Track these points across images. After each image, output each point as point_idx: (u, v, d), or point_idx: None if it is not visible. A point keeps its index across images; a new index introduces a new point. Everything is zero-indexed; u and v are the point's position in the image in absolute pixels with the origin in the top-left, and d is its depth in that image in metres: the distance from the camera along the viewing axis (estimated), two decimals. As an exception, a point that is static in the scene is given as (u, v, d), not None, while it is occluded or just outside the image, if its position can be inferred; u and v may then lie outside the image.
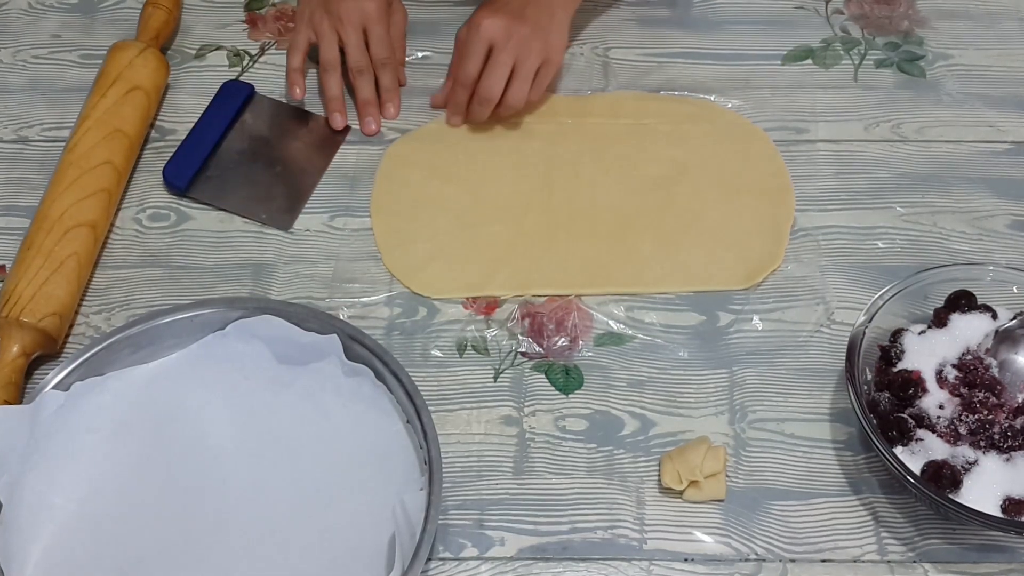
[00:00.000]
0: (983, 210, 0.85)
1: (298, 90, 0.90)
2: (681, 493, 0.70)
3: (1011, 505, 0.66)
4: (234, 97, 0.90)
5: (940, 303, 0.74)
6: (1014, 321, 0.72)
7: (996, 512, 0.66)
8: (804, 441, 0.74)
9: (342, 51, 0.89)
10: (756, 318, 0.79)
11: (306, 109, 0.91)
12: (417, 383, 0.70)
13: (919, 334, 0.73)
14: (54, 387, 0.70)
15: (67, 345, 0.78)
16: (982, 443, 0.68)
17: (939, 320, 0.73)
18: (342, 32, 0.88)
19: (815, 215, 0.85)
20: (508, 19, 0.84)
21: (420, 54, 0.95)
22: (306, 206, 0.86)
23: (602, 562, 0.69)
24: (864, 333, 0.71)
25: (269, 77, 0.94)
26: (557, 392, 0.76)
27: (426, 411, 0.69)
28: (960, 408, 0.69)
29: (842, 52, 0.95)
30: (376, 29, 0.88)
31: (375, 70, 0.90)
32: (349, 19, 0.87)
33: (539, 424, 0.75)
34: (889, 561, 0.69)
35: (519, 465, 0.73)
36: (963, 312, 0.73)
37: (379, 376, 0.72)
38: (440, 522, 0.69)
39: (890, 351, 0.72)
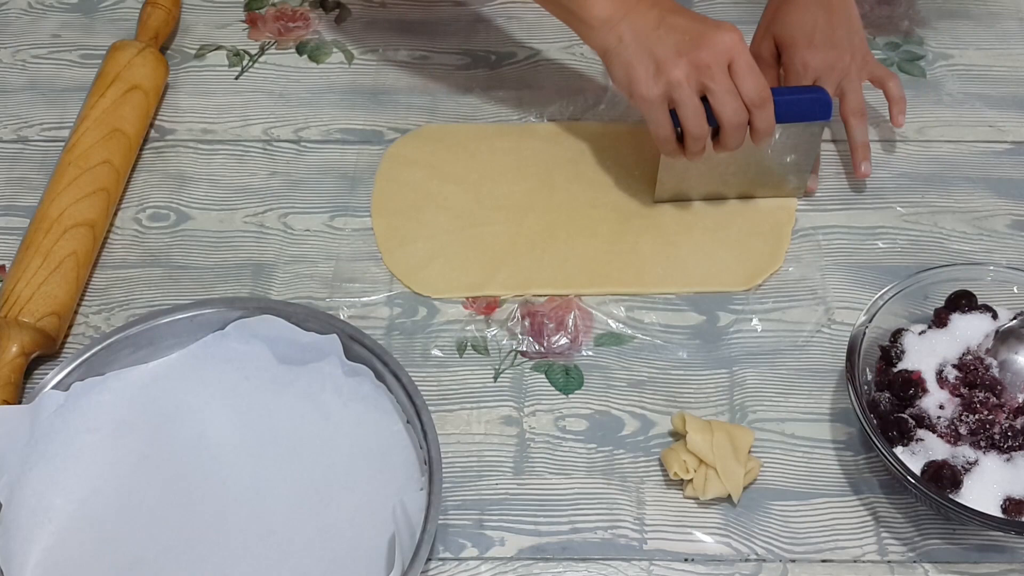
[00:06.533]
0: (983, 210, 0.85)
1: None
2: (690, 483, 0.70)
3: (1011, 505, 0.66)
4: None
5: (940, 303, 0.74)
6: (1014, 321, 0.72)
7: (996, 512, 0.66)
8: (804, 441, 0.74)
9: None
10: (756, 318, 0.79)
11: None
12: (417, 383, 0.70)
13: (919, 334, 0.73)
14: (54, 387, 0.70)
15: (67, 345, 0.78)
16: (982, 443, 0.68)
17: (939, 320, 0.73)
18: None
19: (815, 215, 0.85)
20: (827, 52, 0.84)
21: (420, 54, 0.95)
22: (306, 206, 0.86)
23: (602, 562, 0.69)
24: (864, 333, 0.71)
25: (269, 77, 0.94)
26: (557, 392, 0.76)
27: (426, 411, 0.69)
28: (960, 408, 0.69)
29: (842, 52, 0.95)
30: None
31: None
32: None
33: (539, 424, 0.74)
34: (889, 561, 0.69)
35: (519, 465, 0.73)
36: (963, 312, 0.73)
37: (379, 376, 0.72)
38: (440, 522, 0.69)
39: (890, 351, 0.72)
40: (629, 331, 0.79)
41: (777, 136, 0.79)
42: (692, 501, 0.71)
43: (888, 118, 0.89)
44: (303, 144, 0.90)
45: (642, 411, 0.75)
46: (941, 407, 0.70)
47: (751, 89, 0.75)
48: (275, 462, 0.71)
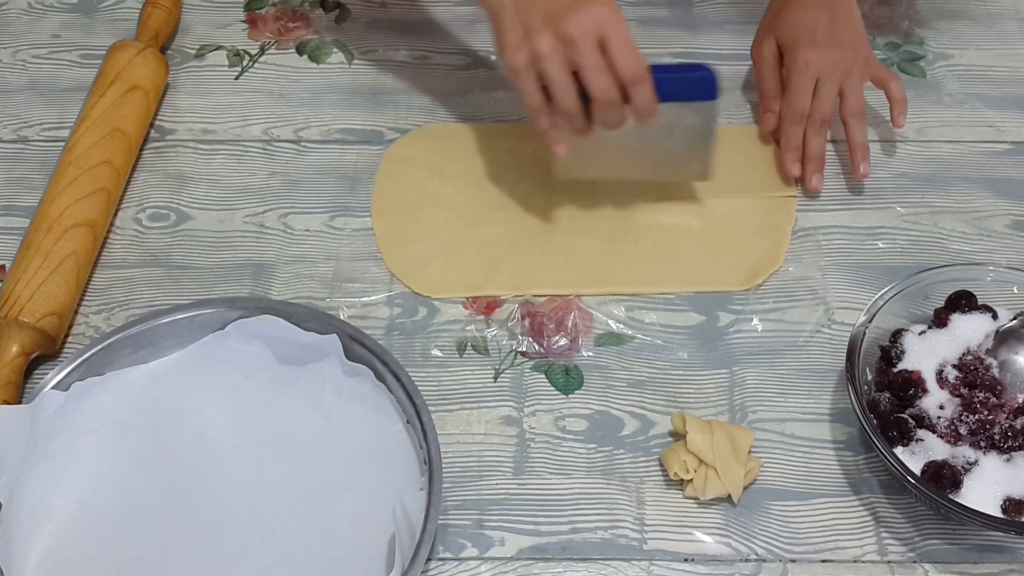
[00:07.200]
0: (983, 210, 0.85)
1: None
2: (690, 483, 0.70)
3: (1011, 505, 0.66)
4: None
5: (940, 303, 0.74)
6: (1014, 321, 0.72)
7: (996, 512, 0.66)
8: (804, 441, 0.74)
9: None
10: (756, 318, 0.79)
11: None
12: (417, 383, 0.70)
13: (919, 334, 0.73)
14: (54, 387, 0.70)
15: (67, 345, 0.78)
16: (982, 443, 0.68)
17: (939, 320, 0.73)
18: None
19: (815, 215, 0.85)
20: (829, 51, 0.84)
21: (420, 54, 0.95)
22: (306, 206, 0.86)
23: (602, 562, 0.69)
24: (864, 333, 0.71)
25: (268, 77, 0.94)
26: (557, 392, 0.76)
27: (426, 411, 0.69)
28: (960, 408, 0.69)
29: (842, 52, 0.95)
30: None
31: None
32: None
33: (539, 424, 0.74)
34: (889, 561, 0.69)
35: (519, 465, 0.73)
36: (963, 312, 0.73)
37: (379, 376, 0.72)
38: (440, 522, 0.69)
39: (890, 351, 0.72)
40: (629, 331, 0.79)
41: (666, 116, 0.76)
42: (692, 501, 0.71)
43: (889, 118, 0.88)
44: (303, 144, 0.90)
45: (642, 411, 0.75)
46: (941, 407, 0.70)
47: (623, 65, 0.72)
48: (275, 462, 0.71)
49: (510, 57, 0.74)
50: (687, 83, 0.77)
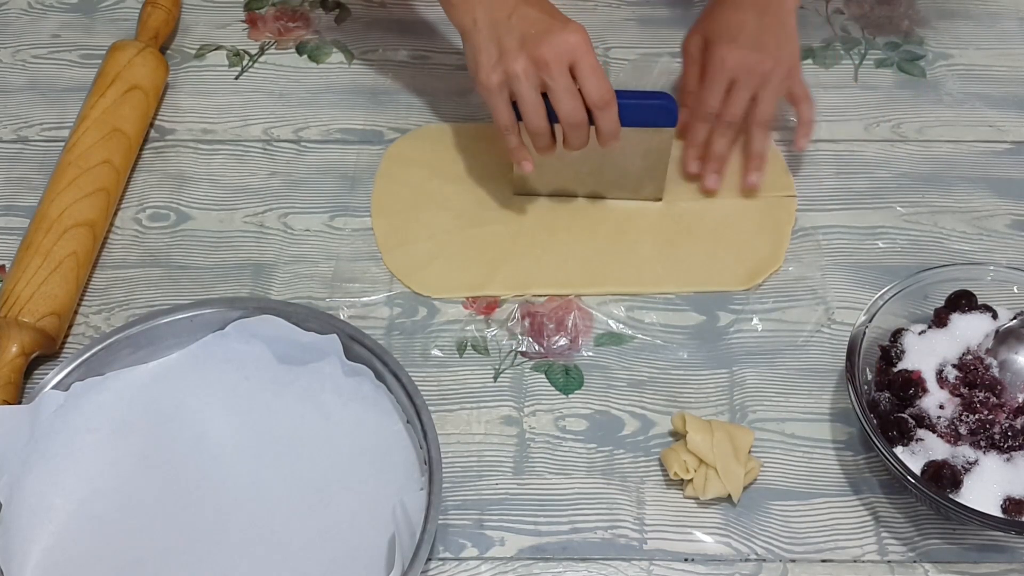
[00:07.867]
0: (983, 210, 0.85)
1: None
2: (690, 482, 0.70)
3: (1011, 505, 0.66)
4: None
5: (940, 303, 0.74)
6: (1014, 321, 0.72)
7: (996, 512, 0.66)
8: (804, 441, 0.74)
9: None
10: (756, 318, 0.79)
11: None
12: (417, 383, 0.70)
13: (919, 334, 0.73)
14: (54, 387, 0.70)
15: (67, 345, 0.78)
16: (982, 443, 0.68)
17: (939, 320, 0.73)
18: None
19: (815, 215, 0.85)
20: (749, 54, 0.82)
21: (420, 54, 0.95)
22: (306, 206, 0.86)
23: (602, 562, 0.69)
24: (864, 333, 0.71)
25: (269, 77, 0.94)
26: (557, 392, 0.76)
27: (426, 411, 0.69)
28: (960, 408, 0.69)
29: (842, 52, 0.96)
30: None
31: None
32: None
33: (539, 424, 0.74)
34: (889, 561, 0.69)
35: (519, 465, 0.73)
36: (963, 312, 0.73)
37: (379, 376, 0.72)
38: (440, 522, 0.69)
39: (890, 351, 0.72)
40: (629, 331, 0.79)
41: (627, 139, 0.79)
42: (692, 501, 0.71)
43: (887, 120, 0.88)
44: (303, 144, 0.90)
45: (642, 411, 0.75)
46: (941, 407, 0.70)
47: (592, 91, 0.75)
48: (275, 462, 0.71)
49: (485, 76, 0.76)
50: (649, 110, 0.79)
